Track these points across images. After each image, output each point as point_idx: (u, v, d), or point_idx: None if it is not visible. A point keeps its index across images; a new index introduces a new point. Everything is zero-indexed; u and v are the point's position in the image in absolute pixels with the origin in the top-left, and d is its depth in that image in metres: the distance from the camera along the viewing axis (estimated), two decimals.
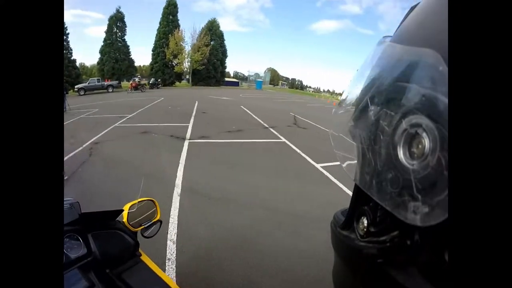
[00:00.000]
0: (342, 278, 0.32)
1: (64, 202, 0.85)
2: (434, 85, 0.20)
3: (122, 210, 0.97)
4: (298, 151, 5.35)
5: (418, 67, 0.22)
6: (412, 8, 0.28)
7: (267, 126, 7.91)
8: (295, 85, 77.16)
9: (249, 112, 10.99)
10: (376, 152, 0.25)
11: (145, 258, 0.98)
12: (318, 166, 4.48)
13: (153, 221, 1.03)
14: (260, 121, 8.81)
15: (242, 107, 12.81)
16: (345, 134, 0.30)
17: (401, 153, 0.22)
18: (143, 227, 1.00)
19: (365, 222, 0.27)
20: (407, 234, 0.22)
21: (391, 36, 0.29)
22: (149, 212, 1.04)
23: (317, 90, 79.17)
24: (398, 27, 0.29)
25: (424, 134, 0.20)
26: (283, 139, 6.30)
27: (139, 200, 1.02)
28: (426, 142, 0.20)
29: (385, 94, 0.25)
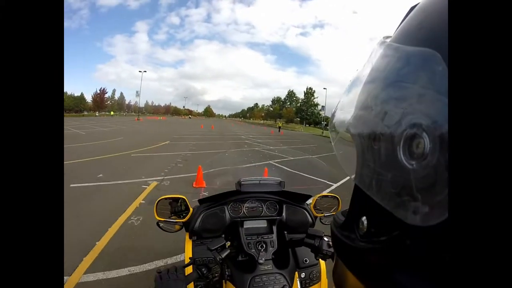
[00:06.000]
0: (342, 278, 0.32)
1: (274, 180, 1.30)
2: (434, 85, 0.20)
3: (311, 196, 1.31)
4: None
5: (418, 67, 0.22)
6: (412, 8, 0.28)
7: None
8: None
9: None
10: (376, 152, 0.24)
11: None
12: None
13: (332, 213, 1.31)
14: None
15: None
16: (345, 134, 0.30)
17: (400, 153, 0.22)
18: (323, 214, 1.32)
19: (365, 222, 0.27)
20: (407, 234, 0.22)
21: (391, 36, 0.29)
22: (332, 205, 1.34)
23: None
24: (398, 27, 0.29)
25: (424, 134, 0.20)
26: None
27: (327, 194, 1.34)
28: (426, 142, 0.20)
29: (384, 94, 0.25)
